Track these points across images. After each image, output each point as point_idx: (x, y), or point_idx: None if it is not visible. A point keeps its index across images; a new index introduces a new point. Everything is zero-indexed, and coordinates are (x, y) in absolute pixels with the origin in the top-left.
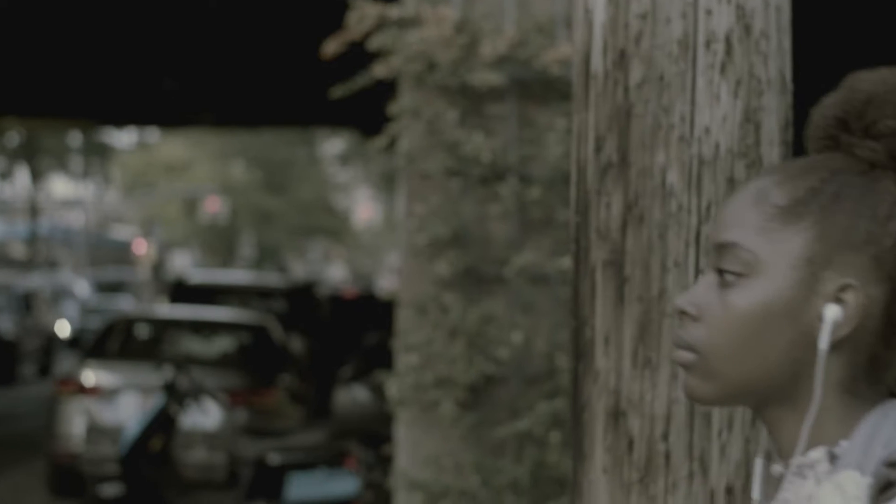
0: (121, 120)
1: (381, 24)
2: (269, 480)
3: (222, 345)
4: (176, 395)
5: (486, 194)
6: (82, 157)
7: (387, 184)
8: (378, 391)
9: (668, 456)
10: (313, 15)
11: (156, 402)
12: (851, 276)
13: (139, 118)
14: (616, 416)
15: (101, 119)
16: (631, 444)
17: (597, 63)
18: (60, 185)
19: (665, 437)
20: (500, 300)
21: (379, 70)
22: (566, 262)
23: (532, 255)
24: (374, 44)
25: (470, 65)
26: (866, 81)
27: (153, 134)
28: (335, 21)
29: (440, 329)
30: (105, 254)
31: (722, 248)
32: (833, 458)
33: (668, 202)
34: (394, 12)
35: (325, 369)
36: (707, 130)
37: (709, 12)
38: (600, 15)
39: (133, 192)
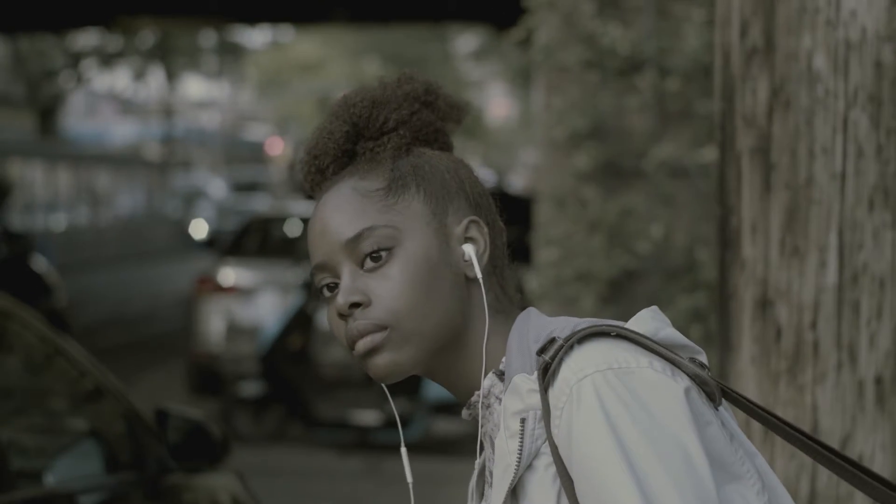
0: (254, 17)
1: None
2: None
3: None
4: (315, 293)
5: (625, 86)
6: (216, 57)
7: (521, 80)
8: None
9: (816, 345)
10: None
11: (294, 300)
12: (467, 214)
13: (272, 15)
14: (763, 305)
15: (234, 17)
16: (779, 333)
17: None
18: (194, 86)
19: (813, 325)
20: (639, 193)
21: None
22: (706, 155)
23: (671, 147)
24: None
25: None
26: (357, 95)
27: (287, 33)
28: None
29: (580, 223)
30: (240, 154)
31: (357, 239)
32: (502, 376)
33: (814, 87)
34: None
35: None
36: (853, 13)
37: None
38: None
39: (267, 92)
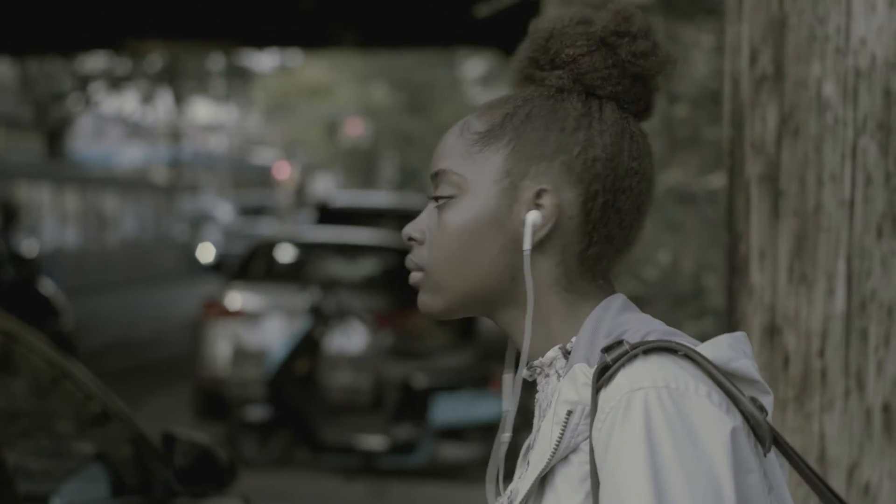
0: (262, 41)
1: None
2: (415, 403)
3: (367, 267)
4: (322, 318)
5: None
6: (224, 81)
7: None
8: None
9: (824, 373)
10: None
11: (301, 324)
12: (546, 182)
13: (280, 39)
14: (771, 332)
15: (243, 41)
16: (787, 360)
17: None
18: (202, 109)
19: (821, 353)
20: (646, 219)
21: None
22: (714, 181)
23: (679, 173)
24: None
25: None
26: (545, 22)
27: (295, 57)
28: None
29: None
30: (247, 178)
31: (435, 177)
32: (567, 355)
33: (823, 114)
34: None
35: None
36: (863, 41)
37: None
38: None
39: (274, 116)
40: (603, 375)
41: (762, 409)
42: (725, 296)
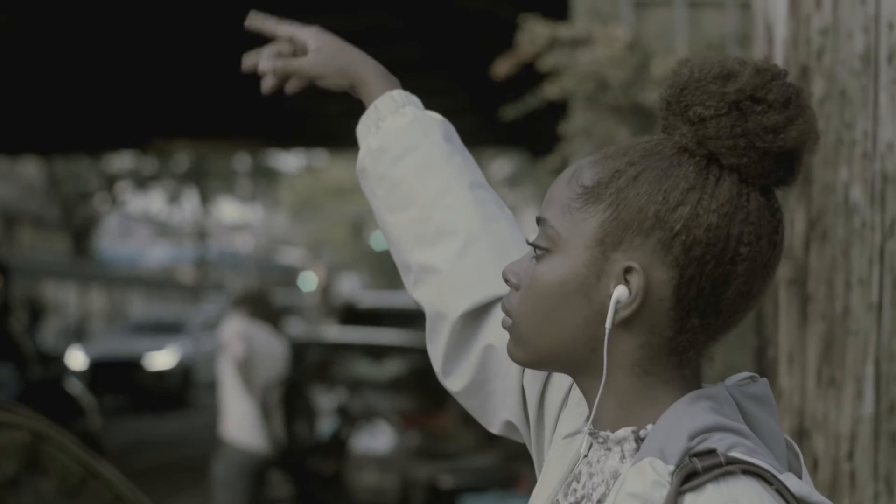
0: (288, 142)
1: (552, 45)
2: (442, 503)
3: (393, 367)
4: (348, 418)
5: None
6: (250, 181)
7: None
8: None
9: (853, 476)
10: (483, 34)
11: (328, 425)
12: (638, 258)
13: (306, 140)
14: (800, 435)
15: (269, 141)
16: (816, 463)
17: None
18: (228, 209)
19: (850, 456)
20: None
21: (550, 90)
22: None
23: None
24: (545, 64)
25: (642, 84)
26: (687, 66)
27: (321, 157)
28: (505, 41)
29: None
30: (273, 277)
31: (538, 222)
32: (639, 440)
33: (851, 219)
34: (565, 32)
35: None
36: (890, 146)
37: (891, 26)
38: (781, 30)
39: (300, 216)
40: (688, 481)
41: None
42: None
